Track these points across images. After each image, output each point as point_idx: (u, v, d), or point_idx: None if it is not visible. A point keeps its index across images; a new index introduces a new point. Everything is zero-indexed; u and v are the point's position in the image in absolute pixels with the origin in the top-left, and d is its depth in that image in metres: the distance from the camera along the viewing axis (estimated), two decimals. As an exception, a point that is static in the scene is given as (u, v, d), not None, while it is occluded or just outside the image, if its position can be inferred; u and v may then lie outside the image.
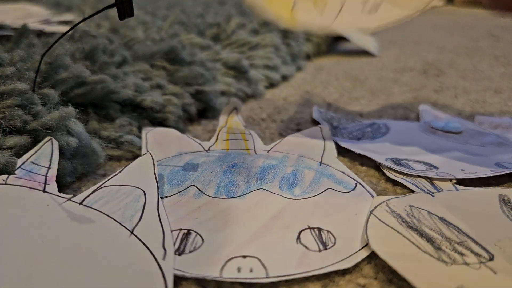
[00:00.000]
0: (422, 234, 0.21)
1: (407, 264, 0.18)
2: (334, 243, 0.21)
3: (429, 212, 0.23)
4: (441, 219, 0.22)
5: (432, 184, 0.26)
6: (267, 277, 0.18)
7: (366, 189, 0.26)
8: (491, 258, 0.19)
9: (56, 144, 0.26)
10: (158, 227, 0.21)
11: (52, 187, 0.23)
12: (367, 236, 0.20)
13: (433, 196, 0.25)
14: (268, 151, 0.31)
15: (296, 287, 0.19)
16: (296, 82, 0.51)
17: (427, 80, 0.54)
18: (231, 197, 0.25)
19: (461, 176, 0.27)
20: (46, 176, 0.24)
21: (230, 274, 0.18)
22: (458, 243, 0.20)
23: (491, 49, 0.74)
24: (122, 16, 0.25)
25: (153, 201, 0.22)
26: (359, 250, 0.20)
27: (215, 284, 0.19)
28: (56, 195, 0.23)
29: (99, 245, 0.19)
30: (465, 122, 0.38)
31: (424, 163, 0.29)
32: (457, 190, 0.25)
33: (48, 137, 0.26)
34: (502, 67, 0.61)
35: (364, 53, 0.70)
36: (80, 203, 0.22)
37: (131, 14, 0.25)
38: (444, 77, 0.55)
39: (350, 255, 0.20)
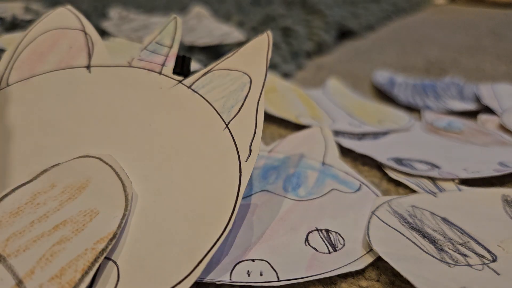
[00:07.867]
0: (424, 235, 0.20)
1: (409, 266, 0.18)
2: (344, 245, 0.20)
3: (431, 213, 0.22)
4: (444, 219, 0.22)
5: (435, 184, 0.26)
6: (279, 280, 0.18)
7: (371, 190, 0.26)
8: (494, 259, 0.19)
9: (180, 22, 0.26)
10: (252, 124, 0.21)
11: (168, 68, 0.24)
12: (368, 237, 0.20)
13: (436, 197, 0.24)
14: (269, 151, 0.31)
15: (297, 289, 0.18)
16: (297, 81, 0.51)
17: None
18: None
19: (464, 175, 0.27)
20: (166, 56, 0.24)
21: (240, 278, 0.18)
22: (461, 244, 0.20)
23: (493, 48, 0.74)
24: (175, 69, 0.24)
25: (257, 92, 0.23)
26: (370, 251, 0.20)
27: (223, 288, 0.18)
28: (170, 77, 0.24)
29: (194, 136, 0.21)
30: (467, 122, 0.38)
31: (426, 162, 0.29)
32: (460, 190, 0.25)
33: (173, 15, 0.26)
34: (505, 66, 0.61)
35: (365, 52, 0.69)
36: (189, 87, 0.23)
37: (186, 73, 0.24)
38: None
39: (361, 256, 0.20)
